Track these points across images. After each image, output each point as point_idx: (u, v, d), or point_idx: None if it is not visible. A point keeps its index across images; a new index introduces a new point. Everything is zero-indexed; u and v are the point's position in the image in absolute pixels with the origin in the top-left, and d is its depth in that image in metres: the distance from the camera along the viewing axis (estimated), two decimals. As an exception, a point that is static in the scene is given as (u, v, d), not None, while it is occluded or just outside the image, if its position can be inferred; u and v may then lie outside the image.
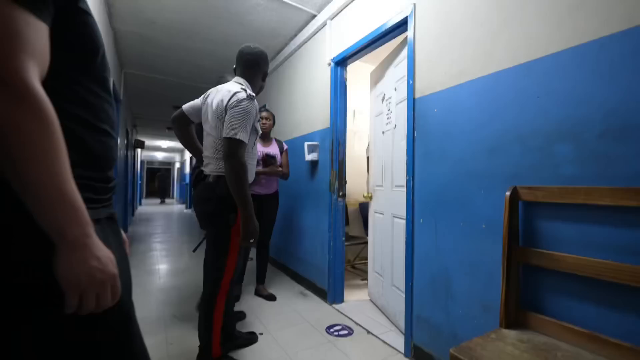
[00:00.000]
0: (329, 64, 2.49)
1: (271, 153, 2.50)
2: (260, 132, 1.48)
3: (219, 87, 1.43)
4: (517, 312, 1.14)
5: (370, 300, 2.48)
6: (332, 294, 2.41)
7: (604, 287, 0.97)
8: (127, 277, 0.63)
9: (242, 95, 1.31)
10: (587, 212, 1.01)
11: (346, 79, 2.48)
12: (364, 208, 3.46)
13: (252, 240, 1.32)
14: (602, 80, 0.99)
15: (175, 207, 12.48)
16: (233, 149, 1.27)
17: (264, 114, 2.52)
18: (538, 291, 1.13)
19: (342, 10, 2.39)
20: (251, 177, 1.46)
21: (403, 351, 1.71)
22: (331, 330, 1.99)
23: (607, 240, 0.96)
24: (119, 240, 0.66)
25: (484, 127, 1.33)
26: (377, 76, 2.41)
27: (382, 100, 2.23)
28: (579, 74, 1.04)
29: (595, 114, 1.00)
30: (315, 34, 2.77)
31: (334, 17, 2.49)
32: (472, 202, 1.38)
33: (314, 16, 2.72)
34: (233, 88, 1.36)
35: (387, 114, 2.17)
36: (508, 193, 1.17)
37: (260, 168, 2.44)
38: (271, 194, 2.53)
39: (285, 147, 2.66)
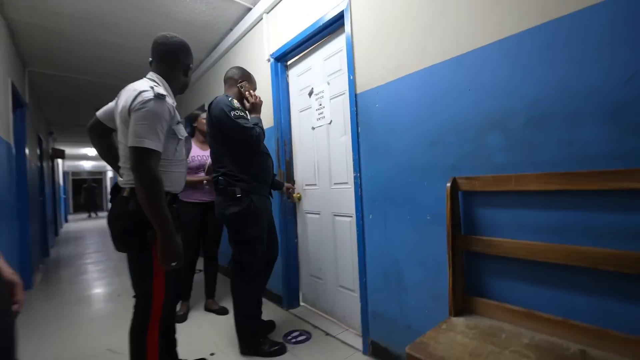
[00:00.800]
0: (269, 60, 2.38)
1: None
2: (185, 136, 1.30)
3: (129, 85, 1.22)
4: (463, 299, 1.17)
5: (305, 305, 2.35)
6: (287, 299, 2.33)
7: (536, 267, 1.04)
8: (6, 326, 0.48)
9: (149, 94, 1.11)
10: (518, 197, 1.07)
11: (288, 75, 2.39)
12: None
13: (174, 264, 1.12)
14: (522, 72, 1.05)
15: (110, 221, 11.21)
16: (141, 160, 1.06)
17: (203, 115, 2.33)
18: (481, 276, 1.18)
19: (277, 3, 2.29)
20: (178, 186, 1.30)
21: (361, 349, 1.70)
22: (289, 337, 1.91)
23: (536, 222, 1.03)
24: None
25: (424, 120, 1.36)
26: (298, 70, 2.30)
27: (310, 95, 2.16)
28: (503, 67, 1.09)
29: (518, 104, 1.06)
30: (252, 28, 2.63)
31: (269, 11, 2.38)
32: (417, 194, 1.40)
33: (249, 9, 2.57)
34: (140, 86, 1.15)
35: (318, 109, 2.10)
36: (448, 184, 1.19)
37: (203, 174, 2.26)
38: (215, 201, 2.35)
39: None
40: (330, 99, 1.98)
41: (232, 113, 1.59)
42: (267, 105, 2.42)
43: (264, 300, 2.55)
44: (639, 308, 0.85)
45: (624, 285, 0.87)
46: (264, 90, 2.47)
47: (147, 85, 1.15)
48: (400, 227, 1.48)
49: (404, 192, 1.45)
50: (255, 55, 2.58)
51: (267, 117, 2.45)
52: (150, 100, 1.10)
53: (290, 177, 2.36)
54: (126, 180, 1.17)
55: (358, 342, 1.76)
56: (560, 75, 0.97)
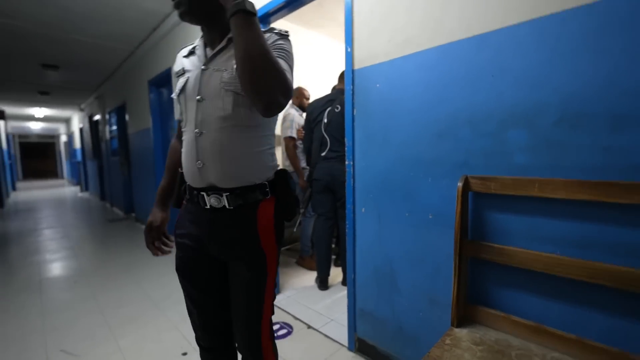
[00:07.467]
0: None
1: None
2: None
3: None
4: (466, 308, 1.09)
5: (285, 294, 2.29)
6: (267, 287, 2.20)
7: (549, 280, 0.96)
8: None
9: None
10: (539, 205, 0.96)
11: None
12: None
13: None
14: (561, 61, 0.89)
15: (66, 189, 10.36)
16: None
17: None
18: (487, 285, 1.09)
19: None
20: None
21: (347, 344, 1.63)
22: (269, 331, 1.80)
23: (556, 233, 0.93)
24: None
25: (432, 107, 1.19)
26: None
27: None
28: (538, 52, 0.93)
29: (551, 98, 0.92)
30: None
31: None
32: (419, 190, 1.26)
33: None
34: None
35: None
36: (460, 184, 1.06)
37: None
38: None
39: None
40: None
41: None
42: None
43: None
44: (663, 333, 0.79)
45: (650, 309, 0.80)
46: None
47: None
48: (397, 224, 1.35)
49: (404, 187, 1.31)
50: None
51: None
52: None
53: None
54: None
55: (343, 337, 1.68)
56: (609, 68, 0.82)
